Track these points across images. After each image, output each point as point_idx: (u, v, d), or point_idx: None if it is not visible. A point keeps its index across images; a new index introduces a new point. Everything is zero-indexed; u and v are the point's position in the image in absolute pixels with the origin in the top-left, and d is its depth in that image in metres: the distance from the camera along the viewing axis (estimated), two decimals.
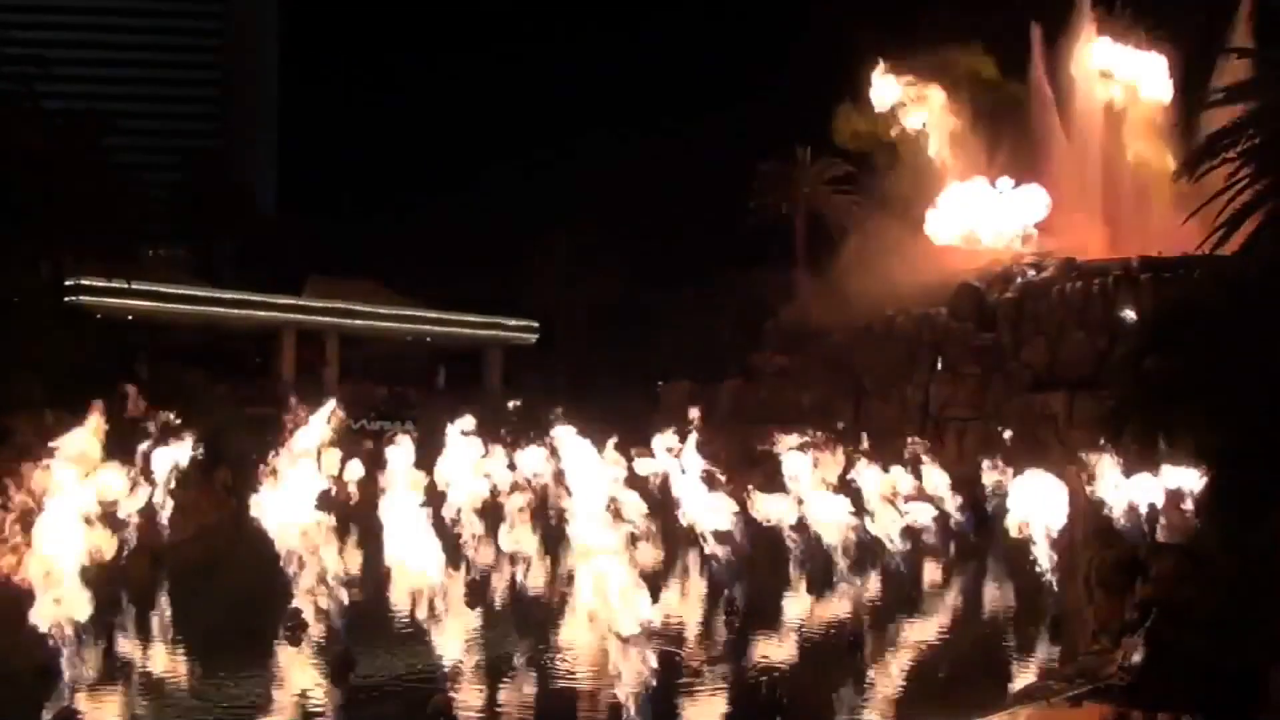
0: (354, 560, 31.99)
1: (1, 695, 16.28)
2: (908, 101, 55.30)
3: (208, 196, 74.08)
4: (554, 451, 24.06)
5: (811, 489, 26.54)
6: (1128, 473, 28.37)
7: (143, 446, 29.91)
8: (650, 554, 26.81)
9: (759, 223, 63.50)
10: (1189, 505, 27.13)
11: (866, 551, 26.17)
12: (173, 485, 31.96)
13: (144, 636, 21.51)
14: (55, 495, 16.28)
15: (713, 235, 66.50)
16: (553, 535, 26.43)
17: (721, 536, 23.40)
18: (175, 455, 30.68)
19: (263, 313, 60.06)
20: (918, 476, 31.33)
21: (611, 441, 28.27)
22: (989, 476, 32.82)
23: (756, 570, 24.96)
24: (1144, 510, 29.02)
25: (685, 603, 24.62)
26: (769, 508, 25.82)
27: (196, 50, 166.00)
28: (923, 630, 21.41)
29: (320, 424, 22.24)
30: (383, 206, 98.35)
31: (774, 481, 28.38)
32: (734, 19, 73.70)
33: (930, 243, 53.60)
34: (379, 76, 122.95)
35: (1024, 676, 17.12)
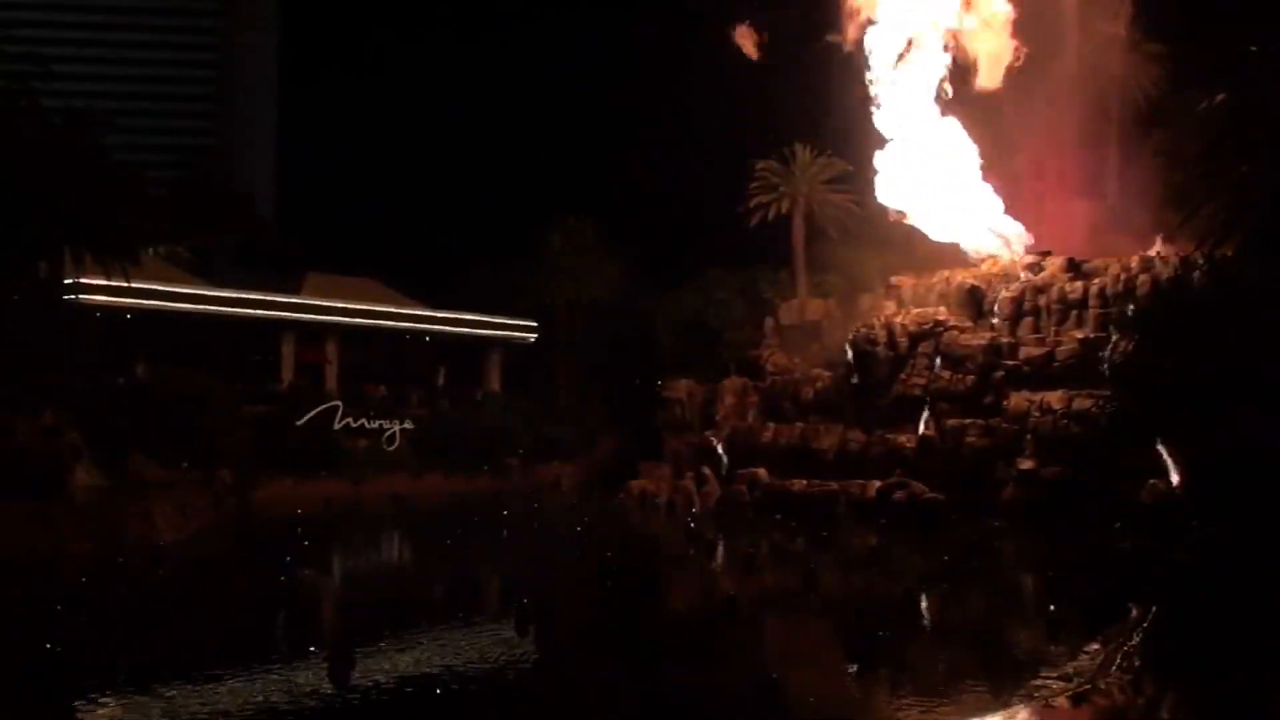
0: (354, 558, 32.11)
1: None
2: None
3: (206, 195, 74.09)
4: None
5: None
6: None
7: None
8: None
9: (758, 221, 63.51)
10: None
11: None
12: None
13: (143, 634, 21.55)
14: None
15: (712, 233, 66.46)
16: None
17: None
18: None
19: (262, 311, 60.00)
20: None
21: None
22: None
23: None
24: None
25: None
26: None
27: (195, 48, 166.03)
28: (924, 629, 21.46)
29: None
30: (381, 204, 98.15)
31: None
32: (734, 17, 73.37)
33: (928, 240, 53.74)
34: (377, 73, 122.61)
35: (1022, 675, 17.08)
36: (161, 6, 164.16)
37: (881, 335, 46.87)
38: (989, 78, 53.72)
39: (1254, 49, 32.27)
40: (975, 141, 53.96)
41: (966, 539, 33.28)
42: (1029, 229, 52.89)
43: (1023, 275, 47.37)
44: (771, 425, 48.12)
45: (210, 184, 75.20)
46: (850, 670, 17.26)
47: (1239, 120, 30.82)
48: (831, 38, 55.86)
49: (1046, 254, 48.77)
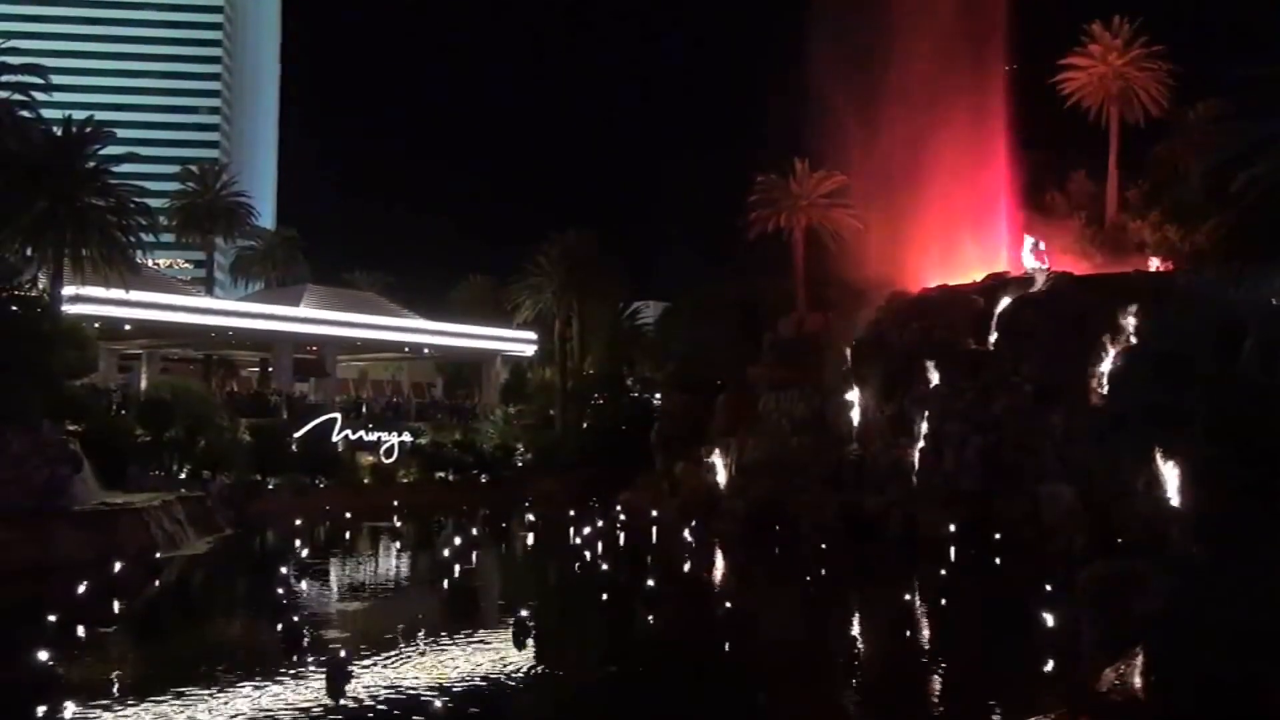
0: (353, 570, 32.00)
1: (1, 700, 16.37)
2: None
3: (207, 207, 74.09)
4: None
5: None
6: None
7: None
8: None
9: (757, 234, 63.41)
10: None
11: None
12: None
13: (140, 644, 21.49)
14: None
15: (711, 246, 66.59)
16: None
17: None
18: None
19: (261, 323, 59.96)
20: None
21: None
22: None
23: None
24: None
25: None
26: None
27: (199, 60, 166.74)
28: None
29: None
30: (381, 217, 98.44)
31: None
32: (735, 32, 73.76)
33: (927, 253, 53.73)
34: (377, 87, 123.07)
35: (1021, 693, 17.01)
36: (166, 19, 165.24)
37: (880, 350, 46.73)
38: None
39: (1255, 65, 32.37)
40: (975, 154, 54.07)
41: (962, 559, 33.17)
42: (1030, 244, 52.96)
43: (1024, 290, 47.29)
44: (767, 440, 47.89)
45: (210, 196, 75.06)
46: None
47: (1240, 137, 30.87)
48: None
49: (1047, 270, 48.77)
